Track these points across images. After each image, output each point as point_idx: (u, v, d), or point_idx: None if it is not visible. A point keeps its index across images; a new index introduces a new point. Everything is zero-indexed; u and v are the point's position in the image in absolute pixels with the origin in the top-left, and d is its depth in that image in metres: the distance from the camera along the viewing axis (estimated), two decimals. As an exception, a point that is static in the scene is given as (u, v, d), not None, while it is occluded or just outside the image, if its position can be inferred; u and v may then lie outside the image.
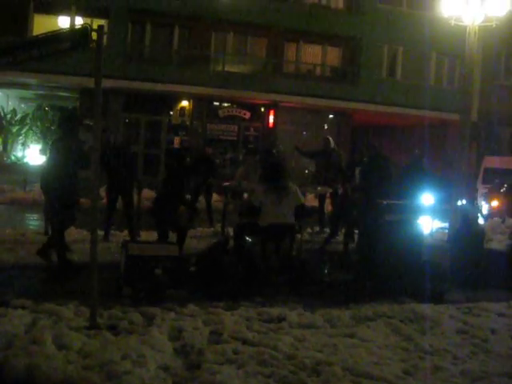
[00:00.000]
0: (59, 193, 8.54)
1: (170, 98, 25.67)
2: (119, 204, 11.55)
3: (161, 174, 21.46)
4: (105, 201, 11.38)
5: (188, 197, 10.53)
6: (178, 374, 5.06)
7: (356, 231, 11.11)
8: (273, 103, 26.34)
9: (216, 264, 7.99)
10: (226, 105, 26.68)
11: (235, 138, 26.63)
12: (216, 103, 26.53)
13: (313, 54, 28.09)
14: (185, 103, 26.07)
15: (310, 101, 25.92)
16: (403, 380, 5.19)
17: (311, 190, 12.86)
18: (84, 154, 8.66)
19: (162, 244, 8.51)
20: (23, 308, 6.31)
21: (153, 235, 10.42)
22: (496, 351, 6.09)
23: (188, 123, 26.17)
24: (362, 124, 28.29)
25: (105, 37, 6.01)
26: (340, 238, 11.67)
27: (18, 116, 26.51)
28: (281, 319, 6.65)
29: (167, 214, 9.28)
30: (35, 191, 16.45)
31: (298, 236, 9.35)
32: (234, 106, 26.65)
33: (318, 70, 28.37)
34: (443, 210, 13.62)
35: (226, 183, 12.45)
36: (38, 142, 25.77)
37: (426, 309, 7.31)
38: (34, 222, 14.25)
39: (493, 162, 21.52)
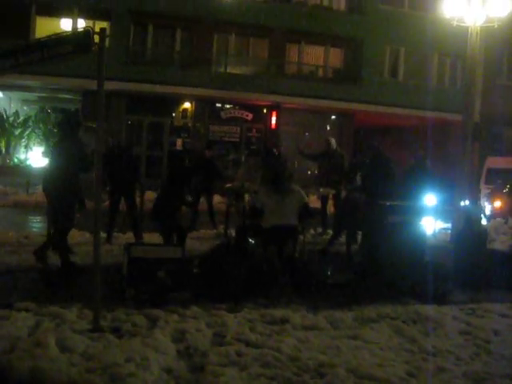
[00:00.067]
0: (61, 195, 8.55)
1: (172, 100, 25.70)
2: (122, 206, 11.57)
3: (163, 175, 21.48)
4: (107, 203, 11.40)
5: (189, 198, 10.51)
6: (182, 376, 5.06)
7: (358, 232, 11.11)
8: (275, 104, 26.36)
9: (219, 266, 7.99)
10: (228, 106, 26.70)
11: (238, 140, 26.66)
12: (218, 105, 26.55)
13: (315, 55, 28.11)
14: (187, 105, 26.10)
15: (312, 102, 25.95)
16: (406, 381, 5.19)
17: (314, 191, 12.86)
18: (86, 156, 8.66)
19: (165, 246, 8.52)
20: (27, 311, 6.31)
21: (156, 237, 10.44)
22: (499, 352, 6.07)
23: (190, 125, 26.20)
24: (364, 125, 28.27)
25: (107, 39, 5.99)
26: (343, 239, 11.67)
27: (21, 118, 26.54)
28: (284, 321, 6.64)
29: (167, 215, 9.29)
30: (38, 194, 16.48)
31: (301, 237, 9.34)
32: (237, 107, 26.66)
33: (320, 71, 28.39)
34: (446, 210, 13.62)
35: (229, 185, 12.45)
36: (41, 145, 25.80)
37: (429, 310, 7.30)
38: (37, 224, 14.27)
39: (496, 162, 21.48)
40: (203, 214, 13.53)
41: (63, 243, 8.87)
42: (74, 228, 10.21)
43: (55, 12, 23.84)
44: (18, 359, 4.94)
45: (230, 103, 26.58)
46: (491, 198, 18.64)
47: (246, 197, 11.19)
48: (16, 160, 25.97)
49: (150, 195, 13.86)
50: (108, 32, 18.94)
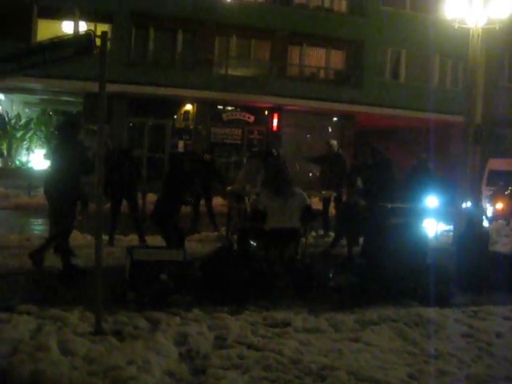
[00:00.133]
0: (61, 198, 8.54)
1: (173, 102, 25.72)
2: (123, 208, 11.58)
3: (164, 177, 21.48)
4: (108, 206, 11.39)
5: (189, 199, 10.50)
6: (184, 379, 5.07)
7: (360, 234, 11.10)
8: (276, 106, 26.38)
9: (220, 268, 7.99)
10: (229, 108, 26.71)
11: (239, 142, 26.67)
12: (220, 107, 26.57)
13: (316, 57, 28.13)
14: (189, 107, 26.12)
15: (313, 104, 25.97)
16: (408, 384, 5.20)
17: (316, 193, 12.85)
18: (87, 159, 8.66)
19: (167, 249, 8.52)
20: (28, 314, 6.30)
21: (157, 239, 10.44)
22: (501, 355, 6.07)
23: (192, 127, 26.21)
24: (365, 127, 28.28)
25: (108, 42, 6.02)
26: (344, 241, 11.66)
27: (23, 121, 26.56)
28: (286, 324, 6.64)
29: (166, 218, 9.29)
30: (39, 196, 16.46)
31: (303, 240, 9.34)
32: (238, 109, 26.67)
33: (322, 73, 28.42)
34: (448, 212, 13.60)
35: (230, 187, 12.44)
36: (43, 147, 25.81)
37: (431, 312, 7.29)
38: (38, 227, 14.26)
39: (497, 164, 21.45)
40: (204, 216, 13.52)
41: (65, 246, 8.87)
42: (76, 230, 10.25)
43: (57, 14, 23.85)
44: (19, 362, 4.94)
45: (231, 105, 26.59)
46: (493, 200, 18.62)
47: (248, 199, 11.19)
48: (18, 162, 26.00)
49: (152, 197, 13.88)
50: (110, 34, 18.96)
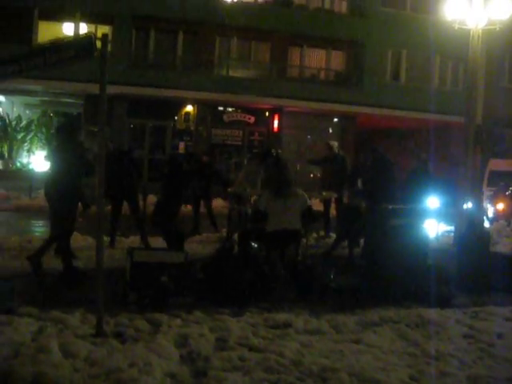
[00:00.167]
0: (62, 200, 8.54)
1: (174, 104, 25.71)
2: (124, 210, 11.58)
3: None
4: (109, 207, 11.40)
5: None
6: (185, 381, 5.07)
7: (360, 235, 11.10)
8: (277, 108, 26.37)
9: (221, 270, 7.99)
10: (230, 110, 26.71)
11: (240, 143, 26.65)
12: (220, 108, 26.56)
13: (317, 59, 28.12)
14: (189, 108, 26.11)
15: (314, 105, 25.96)
16: (410, 386, 5.20)
17: (316, 195, 12.86)
18: (88, 161, 8.66)
19: (168, 251, 8.53)
20: (29, 316, 6.31)
21: (158, 241, 10.44)
22: (502, 356, 6.06)
23: (193, 128, 26.20)
24: (366, 127, 28.28)
25: (109, 43, 6.04)
26: (345, 242, 11.64)
27: (23, 122, 26.60)
28: (287, 325, 6.64)
29: (165, 220, 9.30)
30: (40, 198, 16.44)
31: (304, 241, 9.34)
32: (239, 110, 26.66)
33: (322, 74, 28.41)
34: (448, 213, 13.61)
35: (231, 189, 12.45)
36: (44, 149, 25.84)
37: (432, 313, 7.29)
38: (39, 228, 14.28)
39: (498, 164, 21.47)
40: (204, 217, 13.52)
41: (66, 248, 8.87)
42: (77, 232, 10.25)
43: (58, 16, 23.86)
44: (21, 365, 4.93)
45: (232, 106, 26.57)
46: (494, 200, 18.63)
47: (249, 200, 11.20)
48: (18, 164, 26.03)
49: (153, 199, 13.88)
50: (110, 36, 18.98)
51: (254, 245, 9.00)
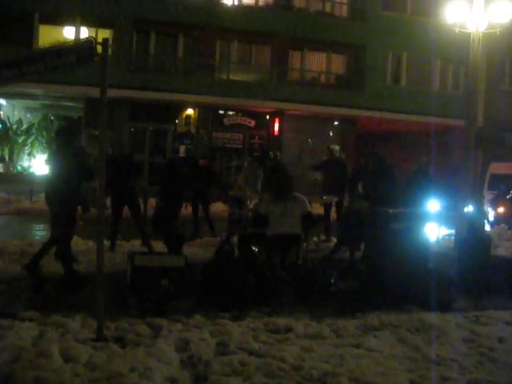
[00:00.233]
0: (61, 204, 8.54)
1: (175, 107, 25.73)
2: (125, 214, 11.58)
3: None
4: (110, 211, 11.40)
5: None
6: (185, 385, 5.07)
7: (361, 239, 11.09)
8: (278, 111, 26.37)
9: (222, 274, 7.99)
10: (231, 113, 26.73)
11: (240, 147, 26.68)
12: (221, 111, 26.59)
13: (317, 62, 28.16)
14: (190, 112, 26.12)
15: (314, 108, 25.97)
16: (410, 390, 5.19)
17: (317, 198, 12.86)
18: (88, 166, 8.66)
19: (169, 255, 8.53)
20: (30, 320, 6.31)
21: (159, 244, 10.45)
22: (503, 360, 6.05)
23: (193, 132, 26.22)
24: (367, 131, 28.27)
25: (109, 47, 6.05)
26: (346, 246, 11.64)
27: (24, 126, 26.60)
28: (287, 330, 6.63)
29: (165, 223, 9.31)
30: (41, 201, 16.44)
31: (304, 245, 9.33)
32: (239, 114, 26.69)
33: (323, 78, 28.44)
34: (449, 216, 13.60)
35: (231, 192, 12.45)
36: (44, 152, 25.81)
37: (433, 317, 7.27)
38: (40, 232, 14.27)
39: (499, 168, 21.46)
40: (204, 221, 13.51)
41: (67, 251, 8.86)
42: (77, 236, 10.25)
43: (58, 20, 23.92)
44: (21, 369, 4.94)
45: (232, 110, 26.62)
46: (495, 203, 18.61)
47: (249, 203, 11.20)
48: (19, 168, 26.03)
49: (153, 202, 13.89)
50: (111, 39, 19.00)
51: (255, 249, 8.99)
